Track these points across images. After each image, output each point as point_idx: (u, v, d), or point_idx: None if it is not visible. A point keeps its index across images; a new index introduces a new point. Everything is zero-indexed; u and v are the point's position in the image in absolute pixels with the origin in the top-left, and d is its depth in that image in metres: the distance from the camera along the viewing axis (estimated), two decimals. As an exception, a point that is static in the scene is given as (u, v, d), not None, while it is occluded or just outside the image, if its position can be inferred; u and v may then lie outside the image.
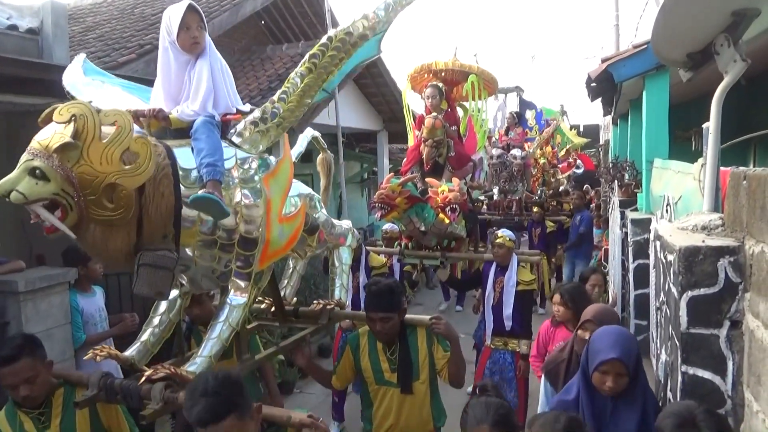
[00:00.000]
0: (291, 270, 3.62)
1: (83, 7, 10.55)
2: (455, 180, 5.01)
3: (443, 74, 5.97)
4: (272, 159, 2.81)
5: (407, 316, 3.03)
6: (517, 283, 4.60)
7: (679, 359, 2.08)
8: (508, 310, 4.66)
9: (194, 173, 2.35)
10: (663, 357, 2.67)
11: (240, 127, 2.62)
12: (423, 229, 4.90)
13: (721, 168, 2.60)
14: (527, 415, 4.59)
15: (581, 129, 14.74)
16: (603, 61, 5.58)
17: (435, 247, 5.20)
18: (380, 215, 4.55)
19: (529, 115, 13.04)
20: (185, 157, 2.39)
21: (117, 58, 6.46)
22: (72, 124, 1.96)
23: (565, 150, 12.22)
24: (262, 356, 3.11)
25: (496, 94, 13.22)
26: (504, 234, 4.84)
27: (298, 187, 3.12)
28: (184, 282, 2.64)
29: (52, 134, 1.96)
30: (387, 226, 6.14)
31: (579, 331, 2.88)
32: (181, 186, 2.30)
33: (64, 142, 1.92)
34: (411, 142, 6.06)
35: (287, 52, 10.51)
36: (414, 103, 6.80)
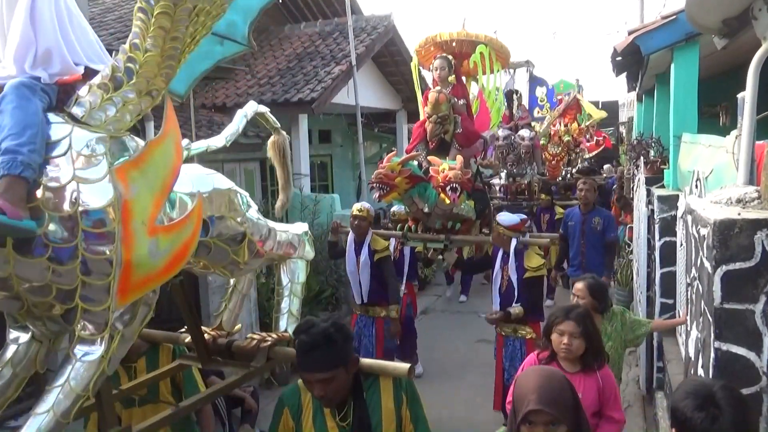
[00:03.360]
0: (230, 289, 2.81)
1: None
2: (458, 158, 4.85)
3: (454, 46, 5.72)
4: (136, 141, 1.93)
5: (368, 361, 2.25)
6: (525, 270, 4.47)
7: (712, 335, 2.08)
8: (515, 301, 4.49)
9: None
10: (694, 333, 2.67)
11: (83, 92, 1.78)
12: (426, 210, 4.82)
13: (756, 142, 2.56)
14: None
15: (599, 105, 14.70)
16: (630, 33, 5.52)
17: (440, 229, 5.10)
18: (378, 196, 4.43)
19: (540, 92, 12.91)
20: None
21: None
22: None
23: (585, 126, 12.10)
24: (186, 404, 2.45)
25: (507, 70, 13.18)
26: (499, 219, 4.68)
27: (202, 180, 2.28)
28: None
29: None
30: (395, 207, 6.02)
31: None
32: None
33: None
34: (422, 118, 5.66)
35: (305, 30, 10.71)
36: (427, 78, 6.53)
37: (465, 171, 4.65)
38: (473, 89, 6.22)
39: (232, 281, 2.81)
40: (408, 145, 5.66)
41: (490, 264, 4.94)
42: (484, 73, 5.91)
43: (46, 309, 1.76)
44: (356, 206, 5.42)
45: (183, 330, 2.73)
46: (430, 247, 5.24)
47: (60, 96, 1.82)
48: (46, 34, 1.77)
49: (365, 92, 10.09)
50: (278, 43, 10.67)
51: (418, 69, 6.01)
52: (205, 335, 2.60)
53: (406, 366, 2.17)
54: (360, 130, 8.98)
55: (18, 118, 1.64)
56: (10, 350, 1.97)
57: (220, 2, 1.83)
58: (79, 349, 1.75)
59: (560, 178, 10.30)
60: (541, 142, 10.36)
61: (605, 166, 12.82)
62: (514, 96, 10.74)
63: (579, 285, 3.58)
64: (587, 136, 11.85)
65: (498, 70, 6.13)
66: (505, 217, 4.66)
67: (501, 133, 9.53)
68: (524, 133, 9.57)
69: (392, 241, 5.65)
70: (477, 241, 5.37)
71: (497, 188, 9.53)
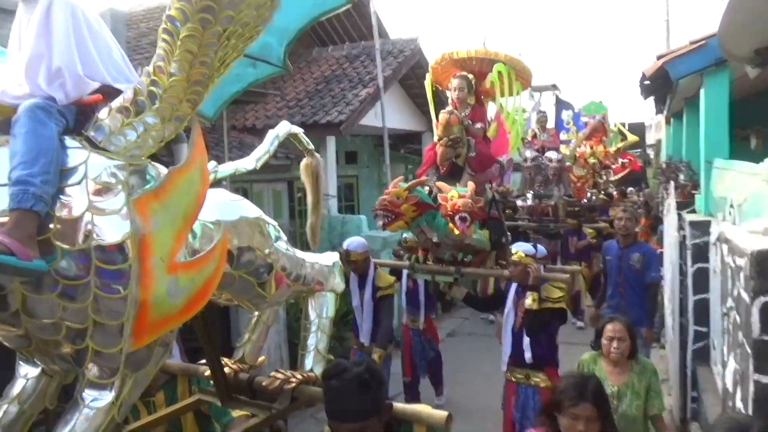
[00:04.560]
0: (254, 320, 2.65)
1: (137, 13, 10.57)
2: (470, 184, 4.46)
3: (473, 65, 5.34)
4: (158, 169, 1.75)
5: (402, 407, 2.04)
6: (542, 300, 4.07)
7: (751, 368, 2.00)
8: (527, 339, 4.14)
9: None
10: (731, 365, 2.57)
11: (103, 115, 1.63)
12: (436, 240, 4.40)
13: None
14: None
15: (625, 127, 14.46)
16: (658, 57, 5.42)
17: (450, 261, 4.64)
18: (383, 224, 4.02)
19: (566, 115, 12.71)
20: (2, 165, 1.49)
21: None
22: None
23: (614, 149, 11.82)
24: None
25: (532, 93, 13.00)
26: (519, 250, 4.35)
27: (229, 208, 2.12)
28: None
29: None
30: (408, 234, 5.25)
31: None
32: None
33: None
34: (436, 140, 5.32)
35: (333, 54, 10.69)
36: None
37: (477, 199, 4.25)
38: (490, 110, 5.82)
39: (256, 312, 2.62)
40: (418, 170, 5.26)
41: (502, 301, 4.57)
42: (502, 94, 5.48)
43: (56, 347, 1.61)
44: (350, 248, 4.94)
45: (203, 361, 2.56)
46: (439, 281, 4.79)
47: (78, 118, 1.67)
48: (59, 46, 1.62)
49: (392, 114, 10.00)
50: (307, 66, 10.70)
51: (434, 87, 5.63)
52: (226, 369, 2.42)
53: (443, 414, 1.95)
54: (387, 152, 8.86)
55: (31, 145, 1.48)
56: (18, 385, 1.82)
57: (254, 24, 1.66)
58: (88, 394, 1.59)
59: (585, 200, 10.04)
60: (567, 163, 10.14)
61: (628, 189, 12.49)
62: (538, 116, 10.54)
63: (617, 326, 3.25)
64: (614, 159, 11.56)
65: (518, 92, 5.72)
66: (527, 246, 4.40)
67: (528, 154, 9.33)
68: (552, 154, 9.37)
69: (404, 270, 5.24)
70: (490, 274, 4.91)
71: (522, 210, 9.32)
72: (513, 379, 4.34)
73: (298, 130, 2.65)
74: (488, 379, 6.33)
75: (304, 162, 2.70)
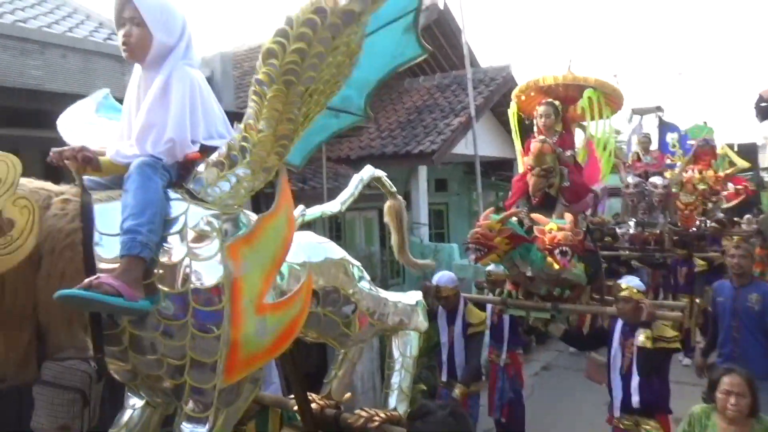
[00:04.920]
0: (341, 356, 2.70)
1: (241, 53, 11.25)
2: (568, 216, 4.20)
3: (559, 91, 5.16)
4: (248, 216, 1.89)
5: None
6: (656, 340, 3.78)
7: None
8: (636, 380, 3.85)
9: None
10: None
11: (201, 168, 1.78)
12: (530, 274, 4.19)
13: None
14: None
15: (734, 148, 13.33)
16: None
17: (546, 296, 4.42)
18: (475, 258, 3.88)
19: (671, 138, 11.97)
20: (114, 217, 1.65)
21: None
22: None
23: (724, 173, 10.93)
24: None
25: (633, 116, 12.39)
26: (630, 285, 4.01)
27: (314, 250, 2.21)
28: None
29: None
30: (492, 267, 5.14)
31: None
32: (102, 262, 1.60)
33: None
34: (521, 170, 5.24)
35: (424, 84, 10.84)
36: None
37: (577, 232, 4.00)
38: (578, 136, 5.56)
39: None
40: (507, 200, 5.03)
41: (605, 339, 4.25)
42: (592, 119, 5.29)
43: (158, 382, 1.74)
44: (441, 282, 4.70)
45: (292, 396, 2.65)
46: (534, 316, 4.55)
47: (180, 172, 1.83)
48: (174, 119, 1.77)
49: (483, 142, 9.94)
50: (398, 96, 10.86)
51: (519, 116, 5.43)
52: (313, 404, 2.50)
53: None
54: (479, 181, 8.77)
55: (139, 198, 1.65)
56: (126, 415, 2.01)
57: (335, 81, 1.77)
58: (186, 427, 1.71)
59: (694, 229, 9.31)
60: (673, 190, 9.51)
61: (745, 217, 11.46)
62: (640, 138, 9.99)
63: (735, 379, 2.93)
64: (724, 184, 10.66)
65: (609, 116, 5.47)
66: (637, 281, 4.03)
67: (631, 180, 8.87)
68: (657, 180, 8.81)
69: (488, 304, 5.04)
70: (591, 311, 4.62)
71: (624, 238, 8.81)
72: (621, 426, 4.01)
73: (381, 174, 2.73)
74: (590, 423, 5.86)
75: (387, 204, 2.78)
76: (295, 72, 1.63)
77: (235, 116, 2.12)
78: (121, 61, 5.56)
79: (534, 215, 4.30)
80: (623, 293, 3.99)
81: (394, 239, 2.83)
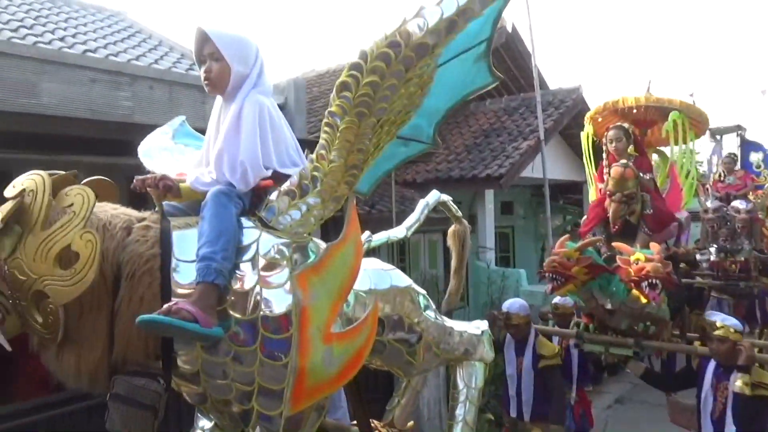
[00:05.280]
0: (404, 384, 2.71)
1: (310, 79, 11.55)
2: (655, 246, 3.91)
3: (635, 113, 4.94)
4: (317, 244, 1.90)
5: None
6: (754, 386, 3.42)
7: None
8: (731, 429, 3.49)
9: None
10: None
11: (273, 197, 1.82)
12: (609, 307, 3.92)
13: None
14: None
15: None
16: None
17: (626, 331, 4.12)
18: (551, 288, 3.69)
19: (755, 158, 11.29)
20: (191, 243, 1.71)
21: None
22: (16, 202, 1.57)
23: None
24: None
25: (713, 136, 11.77)
26: (726, 323, 3.63)
27: (380, 277, 2.21)
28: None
29: None
30: (558, 299, 4.90)
31: None
32: (178, 288, 1.66)
33: None
34: (592, 197, 5.10)
35: (491, 107, 10.84)
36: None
37: (666, 263, 3.71)
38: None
39: None
40: (582, 227, 4.75)
41: (692, 380, 3.91)
42: (676, 143, 5.02)
43: (227, 406, 1.78)
44: (512, 310, 4.39)
45: (355, 423, 2.63)
46: (613, 353, 4.22)
47: (253, 200, 1.88)
48: (246, 143, 1.82)
49: (552, 165, 9.73)
50: (464, 119, 10.85)
51: (592, 139, 5.19)
52: (375, 432, 2.49)
53: None
54: (548, 205, 8.55)
55: (214, 225, 1.70)
56: None
57: (405, 112, 1.79)
58: None
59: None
60: (759, 213, 8.91)
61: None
62: (724, 159, 9.46)
63: None
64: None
65: (692, 140, 5.22)
66: (734, 321, 3.67)
67: (710, 204, 8.39)
68: (740, 204, 8.28)
69: (554, 337, 4.73)
70: (680, 350, 4.29)
71: (703, 265, 8.30)
72: None
73: (447, 199, 2.74)
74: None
75: (452, 229, 2.80)
76: (367, 104, 1.66)
77: (306, 143, 2.20)
78: (202, 91, 5.85)
79: (617, 244, 4.04)
80: (718, 332, 3.64)
81: (454, 260, 2.84)
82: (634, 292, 3.66)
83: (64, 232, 1.56)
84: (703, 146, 12.67)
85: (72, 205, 1.60)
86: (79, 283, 1.55)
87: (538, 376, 4.29)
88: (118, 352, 1.67)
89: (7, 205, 1.58)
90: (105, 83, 5.32)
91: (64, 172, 1.72)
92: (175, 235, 1.76)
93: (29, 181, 1.62)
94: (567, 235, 4.14)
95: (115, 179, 1.99)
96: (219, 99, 1.99)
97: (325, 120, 1.73)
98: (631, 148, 4.58)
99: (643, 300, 3.62)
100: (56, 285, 1.54)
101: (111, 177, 1.97)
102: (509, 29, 10.16)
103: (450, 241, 2.84)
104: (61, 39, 5.92)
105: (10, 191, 1.62)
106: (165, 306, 1.56)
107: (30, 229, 1.57)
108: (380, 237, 2.67)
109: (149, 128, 2.35)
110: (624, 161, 4.44)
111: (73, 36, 6.22)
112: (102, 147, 4.35)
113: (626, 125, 4.66)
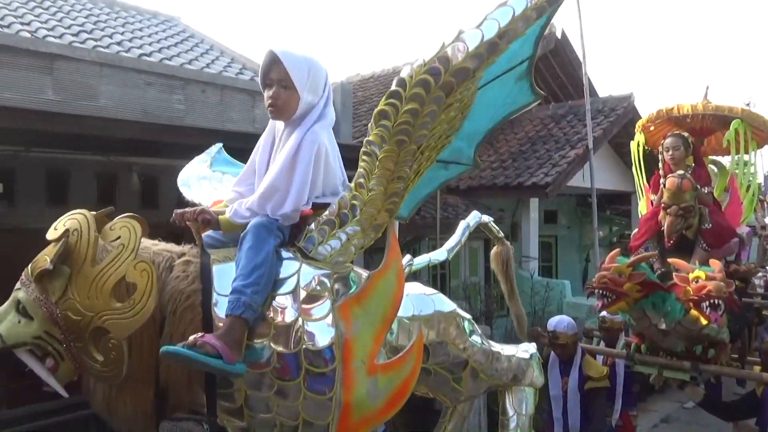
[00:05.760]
0: (450, 410, 2.59)
1: (354, 83, 11.42)
2: (716, 263, 3.61)
3: (689, 121, 4.63)
4: (358, 273, 1.83)
5: None
6: None
7: None
8: None
9: None
10: None
11: (313, 227, 1.77)
12: (663, 327, 3.65)
13: None
14: None
15: None
16: None
17: (682, 354, 3.81)
18: (601, 305, 3.44)
19: (820, 168, 10.67)
20: (231, 277, 1.67)
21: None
22: (62, 242, 1.57)
23: None
24: None
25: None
26: None
27: (423, 302, 2.13)
28: None
29: (42, 255, 1.59)
30: (605, 313, 4.45)
31: None
32: (219, 323, 1.64)
33: (42, 268, 1.54)
34: (642, 208, 4.82)
35: (537, 114, 10.49)
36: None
37: (729, 282, 3.44)
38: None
39: None
40: (633, 240, 4.44)
41: (755, 409, 3.66)
42: (737, 153, 4.67)
43: None
44: (559, 328, 4.08)
45: None
46: (668, 376, 3.93)
47: (293, 230, 1.83)
48: (297, 186, 1.75)
49: (599, 174, 9.39)
50: (510, 127, 10.56)
51: (643, 148, 4.88)
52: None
53: None
54: (595, 215, 8.24)
55: (250, 258, 1.66)
56: None
57: (446, 136, 1.73)
58: None
59: None
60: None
61: None
62: None
63: None
64: None
65: (754, 150, 4.83)
66: None
67: (767, 221, 7.98)
68: (799, 220, 7.88)
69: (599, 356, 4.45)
70: (743, 376, 4.00)
71: (757, 285, 7.85)
72: None
73: (488, 219, 2.68)
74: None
75: (494, 250, 2.71)
76: (407, 132, 1.60)
77: (349, 148, 2.20)
78: (252, 94, 5.93)
79: (674, 260, 3.77)
80: None
81: (502, 287, 2.74)
82: (693, 312, 3.41)
83: (116, 265, 1.57)
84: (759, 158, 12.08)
85: (119, 238, 1.61)
86: (140, 313, 1.55)
87: (585, 397, 4.05)
88: (164, 390, 1.66)
89: (52, 248, 1.59)
90: (159, 86, 5.42)
91: (102, 210, 1.73)
92: (215, 269, 1.73)
93: (71, 221, 1.63)
94: (617, 249, 3.83)
95: (166, 181, 1.97)
96: (275, 122, 1.92)
97: (363, 149, 1.69)
98: (689, 159, 4.32)
99: (703, 321, 3.37)
100: (116, 318, 1.54)
101: (163, 179, 1.96)
102: (558, 35, 9.88)
103: (493, 264, 2.75)
104: (119, 43, 6.06)
105: (52, 234, 1.63)
106: (191, 338, 1.53)
107: (79, 267, 1.57)
108: (421, 260, 2.62)
109: (201, 132, 2.33)
110: (681, 172, 4.14)
111: (130, 40, 6.36)
112: (154, 149, 4.42)
113: (685, 134, 4.39)
